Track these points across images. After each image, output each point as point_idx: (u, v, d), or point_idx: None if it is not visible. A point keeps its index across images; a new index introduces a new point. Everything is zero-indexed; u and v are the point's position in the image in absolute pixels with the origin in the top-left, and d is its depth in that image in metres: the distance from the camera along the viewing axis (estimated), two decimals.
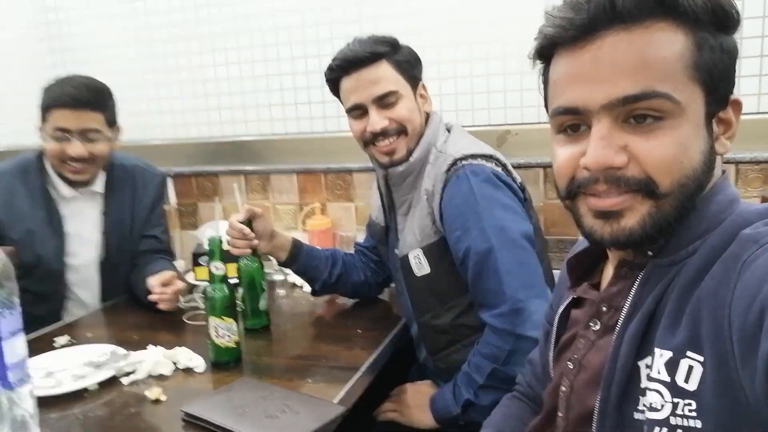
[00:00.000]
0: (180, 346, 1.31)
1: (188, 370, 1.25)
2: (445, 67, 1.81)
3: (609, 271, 0.76)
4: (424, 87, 1.37)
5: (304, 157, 2.01)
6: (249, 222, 1.43)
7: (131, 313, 1.64)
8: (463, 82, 1.81)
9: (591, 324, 0.74)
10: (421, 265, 1.32)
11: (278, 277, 1.90)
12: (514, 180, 1.32)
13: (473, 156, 1.27)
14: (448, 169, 1.25)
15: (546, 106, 0.73)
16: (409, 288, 1.38)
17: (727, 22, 0.62)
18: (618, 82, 0.61)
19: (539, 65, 0.72)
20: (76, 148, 1.56)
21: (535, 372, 0.98)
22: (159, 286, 1.53)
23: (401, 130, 1.30)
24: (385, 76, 1.28)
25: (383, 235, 1.50)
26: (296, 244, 1.52)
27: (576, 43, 0.63)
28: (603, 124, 0.62)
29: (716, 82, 0.62)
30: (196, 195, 2.16)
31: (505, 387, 1.07)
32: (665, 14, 0.61)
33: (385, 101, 1.29)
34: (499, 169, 1.28)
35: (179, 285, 1.56)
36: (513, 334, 1.17)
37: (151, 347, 1.30)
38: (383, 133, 1.30)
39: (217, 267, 1.25)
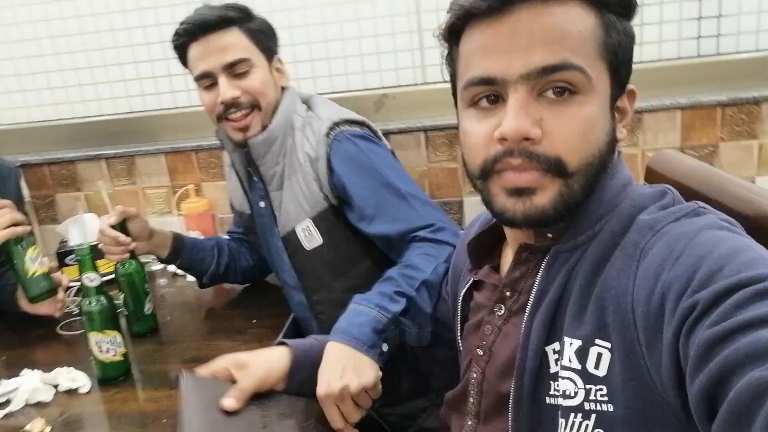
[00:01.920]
0: (58, 366, 1.19)
1: (71, 392, 1.14)
2: (314, 30, 1.73)
3: (508, 254, 0.77)
4: (280, 61, 1.31)
5: (171, 134, 1.86)
6: (123, 223, 1.31)
7: None
8: (334, 45, 1.75)
9: (496, 309, 0.75)
10: (311, 237, 1.27)
11: (157, 267, 1.78)
12: (386, 144, 1.34)
13: (348, 121, 1.26)
14: (328, 133, 1.22)
15: (453, 83, 0.72)
16: (296, 266, 1.33)
17: (628, 7, 0.65)
18: (536, 52, 0.61)
19: (444, 42, 0.71)
20: None
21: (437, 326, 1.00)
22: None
23: (254, 104, 1.24)
24: (236, 43, 1.21)
25: (251, 222, 1.43)
26: (177, 238, 1.43)
27: (492, 15, 0.63)
28: (520, 93, 0.62)
29: (620, 65, 0.65)
30: (52, 185, 1.94)
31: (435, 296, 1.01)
32: None
33: (235, 69, 1.21)
34: (371, 134, 1.30)
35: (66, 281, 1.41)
36: (444, 242, 1.10)
37: (26, 371, 1.18)
38: (235, 105, 1.22)
39: (91, 279, 1.13)
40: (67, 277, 1.42)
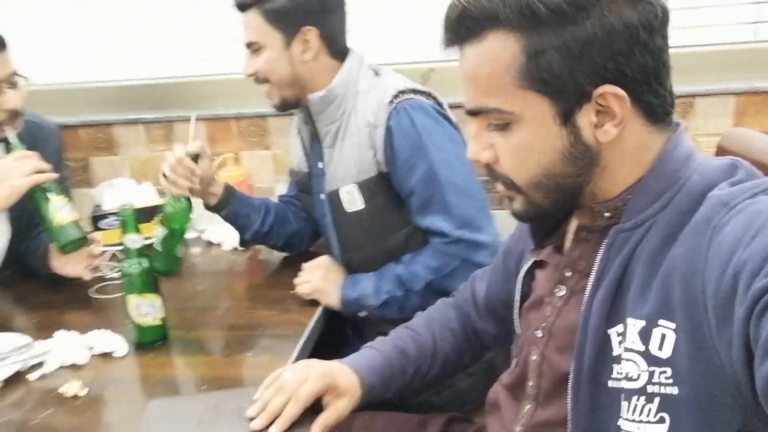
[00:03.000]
0: (92, 329, 1.15)
1: (106, 356, 1.11)
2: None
3: (569, 234, 0.76)
4: (310, 33, 1.24)
5: (211, 101, 1.82)
6: (194, 159, 1.29)
7: (25, 291, 1.43)
8: (379, 16, 1.69)
9: (556, 290, 0.75)
10: (353, 201, 1.27)
11: (190, 235, 1.75)
12: (451, 117, 1.29)
13: (414, 91, 1.23)
14: (391, 101, 1.20)
15: None
16: (336, 225, 1.33)
17: (561, 14, 0.59)
18: (465, 97, 0.68)
19: None
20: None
21: (479, 303, 1.00)
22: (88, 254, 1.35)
23: (265, 80, 1.29)
24: (251, 24, 1.26)
25: (307, 182, 1.42)
26: (228, 189, 1.41)
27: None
28: (473, 124, 0.69)
29: (559, 83, 0.62)
30: (86, 149, 1.91)
31: (436, 298, 1.11)
32: (493, 25, 0.63)
33: (252, 48, 1.28)
34: (438, 106, 1.26)
35: (99, 249, 1.38)
36: (461, 257, 1.20)
37: (61, 332, 1.14)
38: (257, 80, 1.30)
39: (133, 240, 1.09)
40: (98, 244, 1.39)
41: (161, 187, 1.32)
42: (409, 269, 1.24)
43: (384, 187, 1.25)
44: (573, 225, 0.75)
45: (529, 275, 0.83)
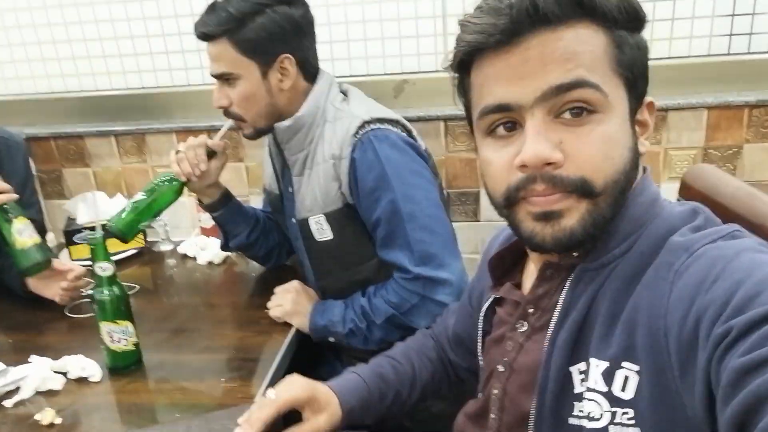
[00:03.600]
0: (68, 351, 1.16)
1: (82, 380, 1.12)
2: (335, 11, 1.68)
3: (531, 271, 0.76)
4: (288, 60, 1.22)
5: (183, 113, 1.81)
6: (211, 155, 1.32)
7: (1, 310, 1.44)
8: (355, 27, 1.69)
9: (518, 326, 0.74)
10: (322, 230, 1.27)
11: (166, 247, 1.76)
12: (419, 145, 1.28)
13: (380, 120, 1.21)
14: (356, 132, 1.19)
15: (469, 115, 0.70)
16: (309, 252, 1.34)
17: (637, 21, 0.64)
18: (549, 73, 0.60)
19: (454, 73, 0.69)
20: None
21: (450, 337, 1.02)
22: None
23: (239, 117, 1.26)
24: (222, 55, 1.21)
25: (278, 202, 1.43)
26: (226, 193, 1.44)
27: (501, 47, 0.61)
28: (537, 118, 0.61)
29: (636, 78, 0.63)
30: (58, 160, 1.90)
31: (399, 332, 1.15)
32: (584, 15, 0.61)
33: (223, 79, 1.24)
34: (405, 134, 1.24)
35: (80, 270, 1.38)
36: (420, 294, 1.19)
37: (34, 358, 1.15)
38: (226, 114, 1.27)
39: (103, 268, 1.10)
40: (79, 268, 1.39)
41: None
42: (371, 302, 1.24)
43: (351, 219, 1.24)
44: (533, 263, 0.75)
45: (490, 311, 0.84)
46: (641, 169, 0.68)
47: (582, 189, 0.61)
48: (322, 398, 0.89)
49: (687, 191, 0.94)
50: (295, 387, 0.88)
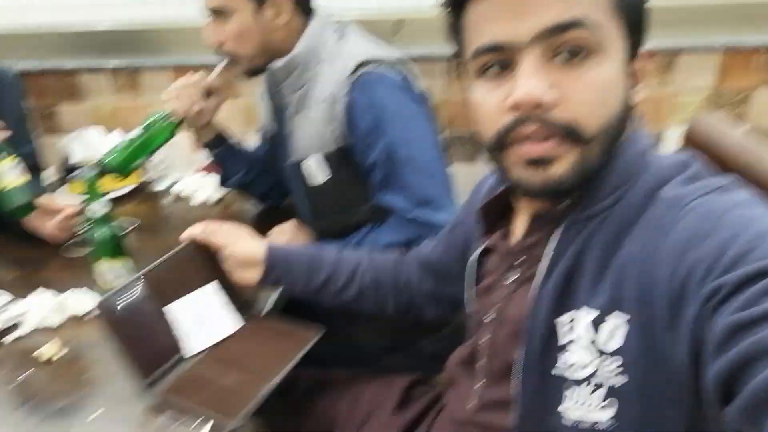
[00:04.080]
0: (68, 287, 1.17)
1: (81, 317, 1.13)
2: None
3: (520, 220, 0.76)
4: None
5: (179, 48, 1.77)
6: (207, 92, 1.32)
7: None
8: None
9: (507, 276, 0.75)
10: (317, 173, 1.27)
11: (161, 186, 1.76)
12: (417, 86, 1.25)
13: (377, 61, 1.18)
14: (352, 73, 1.17)
15: (460, 53, 0.67)
16: (304, 194, 1.33)
17: None
18: (546, 11, 0.57)
19: (447, 13, 0.67)
20: None
21: (420, 261, 1.03)
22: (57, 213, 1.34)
23: (231, 55, 1.24)
24: None
25: (272, 144, 1.43)
26: (223, 134, 1.44)
27: None
28: (532, 58, 0.58)
29: (635, 24, 0.61)
30: (51, 96, 1.87)
31: None
32: None
33: (215, 14, 1.20)
34: (402, 76, 1.21)
35: (72, 210, 1.37)
36: (415, 237, 1.17)
37: (37, 292, 1.16)
38: (218, 51, 1.24)
39: (97, 207, 1.10)
40: (71, 207, 1.38)
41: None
42: (365, 241, 1.24)
43: (347, 161, 1.23)
44: (523, 213, 0.75)
45: (480, 260, 0.84)
46: (634, 120, 0.66)
47: (573, 133, 0.59)
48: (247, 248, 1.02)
49: (691, 139, 0.92)
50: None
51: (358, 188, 1.26)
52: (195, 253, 1.04)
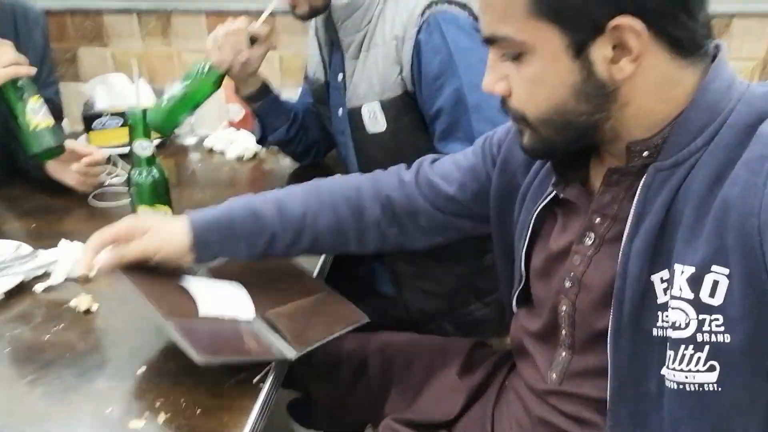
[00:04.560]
0: None
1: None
2: None
3: (598, 172, 0.70)
4: None
5: None
6: (253, 41, 1.21)
7: (18, 195, 1.34)
8: None
9: (585, 238, 0.70)
10: (376, 121, 1.17)
11: (190, 140, 1.65)
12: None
13: (449, 1, 1.10)
14: (423, 11, 1.08)
15: None
16: (357, 145, 1.24)
17: None
18: (482, 23, 0.65)
19: None
20: None
21: (433, 195, 0.91)
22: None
23: None
24: None
25: (323, 92, 1.32)
26: (267, 86, 1.34)
27: None
28: (491, 55, 0.66)
29: (568, 13, 0.58)
30: (74, 38, 1.75)
31: None
32: None
33: None
34: (472, 19, 1.12)
35: (98, 156, 1.29)
36: None
37: (64, 242, 1.06)
38: None
39: (143, 147, 1.00)
40: (97, 150, 1.29)
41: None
42: None
43: (410, 108, 1.15)
44: (599, 168, 0.70)
45: (545, 210, 0.76)
46: (711, 52, 0.61)
47: (522, 119, 0.66)
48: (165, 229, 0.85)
49: None
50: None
51: (418, 139, 1.17)
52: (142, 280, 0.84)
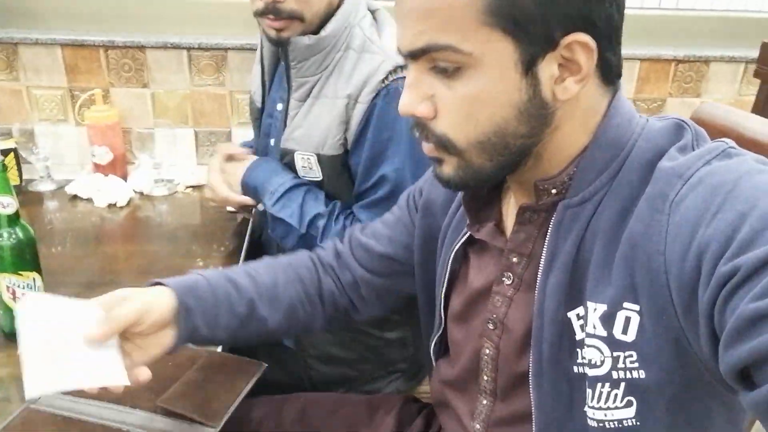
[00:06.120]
0: None
1: None
2: None
3: (509, 211, 0.69)
4: None
5: (72, 22, 1.50)
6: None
7: None
8: None
9: (504, 278, 0.68)
10: (310, 170, 1.13)
11: (46, 187, 1.46)
12: None
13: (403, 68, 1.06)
14: (385, 78, 1.03)
15: None
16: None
17: None
18: (408, 34, 0.57)
19: None
20: None
21: (365, 251, 0.88)
22: None
23: (294, 15, 1.04)
24: None
25: (257, 117, 1.26)
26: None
27: None
28: (412, 70, 0.59)
29: (526, 24, 0.54)
30: None
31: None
32: None
33: None
34: None
35: None
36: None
37: None
38: (275, 11, 1.03)
39: (4, 204, 0.84)
40: None
41: None
42: (314, 225, 1.10)
43: (345, 167, 1.10)
44: (510, 206, 0.68)
45: (461, 252, 0.74)
46: (611, 91, 0.60)
47: (445, 145, 0.59)
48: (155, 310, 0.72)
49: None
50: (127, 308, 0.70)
51: (348, 192, 1.13)
52: None
